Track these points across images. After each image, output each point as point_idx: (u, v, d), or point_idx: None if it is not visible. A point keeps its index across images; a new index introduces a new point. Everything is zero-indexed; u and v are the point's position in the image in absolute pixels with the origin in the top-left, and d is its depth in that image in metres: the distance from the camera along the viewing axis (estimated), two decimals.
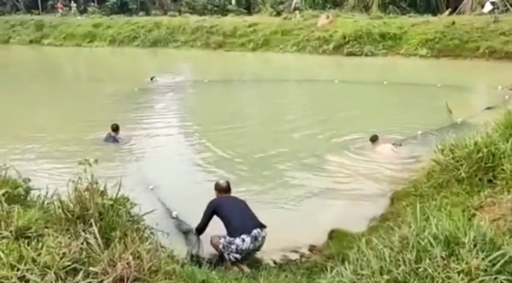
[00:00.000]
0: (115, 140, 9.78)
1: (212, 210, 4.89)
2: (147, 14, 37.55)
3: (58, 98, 14.95)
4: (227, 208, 4.88)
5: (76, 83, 20.09)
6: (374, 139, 8.68)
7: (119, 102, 13.93)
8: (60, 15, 37.67)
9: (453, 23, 23.09)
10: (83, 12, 40.19)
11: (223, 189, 5.15)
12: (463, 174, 4.59)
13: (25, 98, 14.78)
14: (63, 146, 9.42)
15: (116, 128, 9.88)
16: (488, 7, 24.15)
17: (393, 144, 8.75)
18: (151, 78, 16.87)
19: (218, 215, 4.86)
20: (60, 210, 3.33)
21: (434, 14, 27.86)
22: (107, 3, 40.55)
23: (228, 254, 4.58)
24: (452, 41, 22.11)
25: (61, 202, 3.38)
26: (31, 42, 34.21)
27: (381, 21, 25.46)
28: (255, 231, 4.66)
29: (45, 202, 3.96)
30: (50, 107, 13.38)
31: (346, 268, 2.80)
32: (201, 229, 5.04)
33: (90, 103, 14.04)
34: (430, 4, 31.15)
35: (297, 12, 29.08)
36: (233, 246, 4.55)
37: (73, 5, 39.96)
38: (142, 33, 31.23)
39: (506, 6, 25.85)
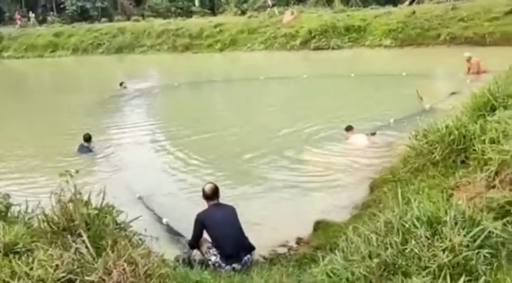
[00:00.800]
0: (89, 150, 9.61)
1: (201, 225, 4.66)
2: (110, 20, 36.99)
3: (27, 111, 14.52)
4: (218, 227, 4.62)
5: (43, 95, 19.56)
6: (349, 129, 8.85)
7: (90, 111, 13.68)
8: (18, 26, 36.60)
9: (414, 12, 23.74)
10: (42, 22, 39.26)
11: (209, 196, 4.83)
12: (437, 157, 4.76)
13: None
14: (37, 160, 9.20)
15: (88, 138, 9.70)
16: None
17: (367, 134, 8.95)
18: (121, 84, 16.62)
19: (207, 231, 4.67)
20: (46, 224, 3.28)
21: (395, 4, 28.59)
22: (67, 12, 39.72)
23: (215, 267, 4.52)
24: (414, 30, 22.77)
25: (45, 215, 3.33)
26: None
27: (345, 15, 25.97)
28: (245, 258, 4.58)
29: (27, 218, 3.89)
30: (20, 121, 13.01)
31: (337, 256, 2.87)
32: (193, 245, 4.79)
33: (59, 114, 13.71)
34: None
35: (274, 8, 28.99)
36: (222, 270, 4.42)
37: (31, 15, 38.97)
38: (106, 39, 30.80)
39: None
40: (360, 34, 24.19)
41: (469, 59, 13.90)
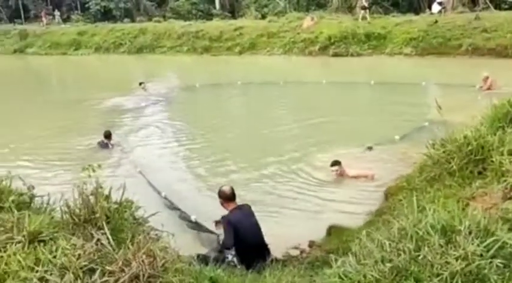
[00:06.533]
0: (108, 147, 9.84)
1: (234, 228, 4.64)
2: (132, 20, 37.56)
3: (48, 107, 14.88)
4: (245, 236, 4.62)
5: (65, 91, 20.01)
6: (336, 163, 7.70)
7: (110, 109, 13.94)
8: (44, 24, 37.40)
9: (436, 21, 23.54)
10: (66, 20, 40.07)
11: (228, 197, 4.87)
12: (454, 167, 4.74)
13: (15, 108, 14.68)
14: (57, 154, 9.48)
15: (108, 135, 9.96)
16: (436, 8, 24.96)
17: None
18: (140, 84, 16.85)
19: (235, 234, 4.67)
20: (68, 215, 3.39)
21: (417, 13, 28.35)
22: (91, 11, 40.47)
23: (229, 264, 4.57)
24: (436, 39, 22.55)
25: (68, 207, 3.44)
26: (15, 51, 33.94)
27: (365, 22, 25.83)
28: (263, 263, 4.58)
29: (49, 209, 4.01)
30: (41, 117, 13.34)
31: (350, 260, 2.91)
32: (230, 245, 4.70)
33: (80, 111, 14.01)
34: (412, 3, 31.72)
35: (365, 11, 27.11)
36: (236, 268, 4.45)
37: (56, 13, 39.79)
38: (128, 39, 31.25)
39: (486, 3, 26.55)
40: (380, 42, 24.05)
41: (485, 79, 13.79)
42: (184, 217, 6.17)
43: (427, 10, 28.15)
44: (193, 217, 6.04)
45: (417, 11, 29.69)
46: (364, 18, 26.54)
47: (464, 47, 21.54)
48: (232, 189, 4.93)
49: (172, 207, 6.61)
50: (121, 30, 32.42)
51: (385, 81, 16.26)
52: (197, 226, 5.85)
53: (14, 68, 28.91)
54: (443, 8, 25.30)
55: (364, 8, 27.04)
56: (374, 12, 29.53)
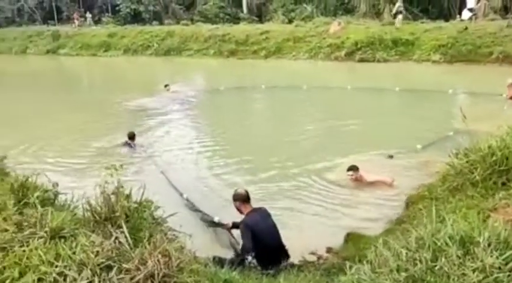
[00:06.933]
0: (131, 147, 10.02)
1: (251, 231, 4.70)
2: (160, 23, 38.16)
3: (77, 106, 15.23)
4: (263, 238, 4.70)
5: (94, 92, 20.48)
6: (353, 169, 7.61)
7: (135, 110, 14.18)
8: (76, 25, 38.42)
9: (466, 28, 23.07)
10: (97, 22, 41.04)
11: (243, 199, 4.98)
12: (477, 178, 4.65)
13: (44, 107, 15.10)
14: (81, 154, 9.69)
15: (132, 136, 10.13)
16: (467, 14, 24.35)
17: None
18: (165, 86, 17.11)
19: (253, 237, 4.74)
20: (89, 213, 3.49)
21: (447, 19, 27.85)
22: (121, 13, 41.34)
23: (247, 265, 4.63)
24: (465, 46, 22.06)
25: (90, 205, 3.53)
26: (48, 52, 34.91)
27: (393, 28, 25.52)
28: (281, 265, 4.68)
29: (72, 206, 4.13)
30: (69, 116, 13.64)
31: (365, 268, 2.90)
32: (249, 249, 4.71)
33: (106, 111, 14.29)
34: (442, 10, 31.19)
35: (399, 16, 26.05)
36: (254, 270, 4.47)
37: (88, 15, 40.80)
38: (156, 42, 31.69)
39: None
40: (408, 48, 23.66)
41: (510, 86, 13.41)
42: (206, 219, 6.21)
43: (458, 17, 27.65)
44: (216, 218, 6.06)
45: (447, 17, 29.17)
46: (394, 23, 26.20)
47: (495, 55, 21.01)
48: (247, 192, 5.01)
49: (194, 208, 6.69)
50: (149, 33, 32.92)
51: (411, 88, 16.02)
52: (219, 227, 5.84)
53: (47, 68, 29.71)
54: (474, 14, 24.81)
55: (400, 12, 26.49)
56: (403, 18, 29.17)
